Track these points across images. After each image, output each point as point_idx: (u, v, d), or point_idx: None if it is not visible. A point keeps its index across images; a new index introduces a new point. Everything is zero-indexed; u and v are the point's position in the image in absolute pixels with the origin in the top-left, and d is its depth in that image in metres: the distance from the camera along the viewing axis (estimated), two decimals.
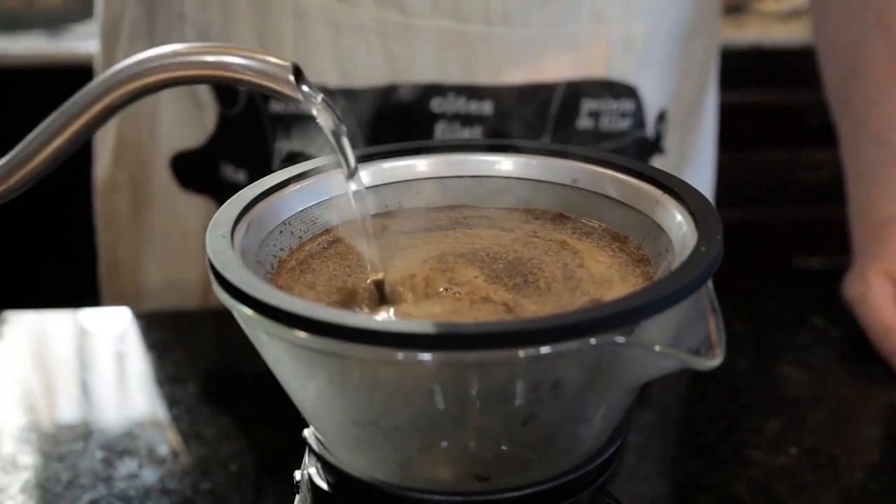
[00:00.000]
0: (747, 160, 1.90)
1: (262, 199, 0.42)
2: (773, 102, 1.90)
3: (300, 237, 0.43)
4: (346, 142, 0.40)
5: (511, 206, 0.46)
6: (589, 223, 0.44)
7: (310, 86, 0.38)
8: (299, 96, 0.38)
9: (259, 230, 0.41)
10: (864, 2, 0.79)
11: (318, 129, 0.40)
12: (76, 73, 1.65)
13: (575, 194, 0.45)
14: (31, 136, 0.37)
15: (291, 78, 0.37)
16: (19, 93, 1.79)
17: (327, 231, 0.44)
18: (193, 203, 0.86)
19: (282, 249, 0.42)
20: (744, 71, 1.80)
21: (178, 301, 0.87)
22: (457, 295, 0.39)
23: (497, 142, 0.47)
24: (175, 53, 0.37)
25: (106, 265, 0.95)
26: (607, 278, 0.40)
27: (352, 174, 0.41)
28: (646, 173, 0.43)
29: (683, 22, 0.85)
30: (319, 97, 0.39)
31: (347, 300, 0.39)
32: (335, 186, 0.44)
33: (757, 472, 0.62)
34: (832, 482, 0.61)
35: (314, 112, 0.39)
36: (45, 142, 0.37)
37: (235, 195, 0.41)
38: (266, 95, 0.78)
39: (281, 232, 0.42)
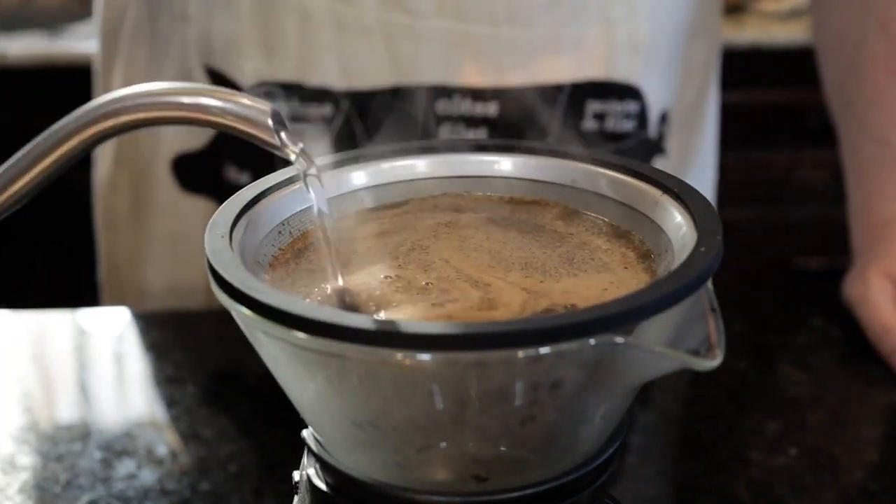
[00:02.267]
0: (747, 160, 1.90)
1: (261, 199, 0.42)
2: (773, 102, 1.89)
3: (296, 236, 0.43)
4: (317, 187, 0.39)
5: (517, 197, 0.46)
6: (592, 217, 0.44)
7: (289, 132, 0.38)
8: (277, 142, 0.37)
9: (258, 230, 0.41)
10: (864, 2, 0.79)
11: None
12: (75, 73, 1.65)
13: (574, 194, 0.45)
14: (4, 167, 0.37)
15: (270, 123, 0.37)
16: (18, 93, 1.79)
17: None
18: (195, 205, 0.86)
19: (280, 249, 0.42)
20: (744, 71, 1.80)
21: (180, 303, 0.87)
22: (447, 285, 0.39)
23: (497, 142, 0.47)
24: (151, 93, 0.37)
25: (106, 266, 0.95)
26: (609, 273, 0.40)
27: (319, 215, 0.40)
28: (645, 173, 0.43)
29: (686, 23, 0.85)
30: (299, 146, 0.38)
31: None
32: (334, 187, 0.44)
33: (757, 473, 0.62)
34: (832, 482, 0.61)
35: (292, 158, 0.38)
36: (14, 177, 0.36)
37: (234, 195, 0.41)
38: (268, 95, 0.79)
39: (280, 232, 0.42)
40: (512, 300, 0.38)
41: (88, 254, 1.05)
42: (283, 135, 0.37)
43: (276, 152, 0.38)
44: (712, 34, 0.90)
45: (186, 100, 0.36)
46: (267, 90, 0.79)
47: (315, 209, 0.39)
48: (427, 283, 0.39)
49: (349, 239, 0.43)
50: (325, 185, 0.39)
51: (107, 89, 0.90)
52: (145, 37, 0.85)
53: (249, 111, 0.37)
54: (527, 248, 0.42)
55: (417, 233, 0.44)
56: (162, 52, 0.84)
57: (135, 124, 0.37)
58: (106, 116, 0.36)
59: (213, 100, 0.36)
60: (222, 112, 0.37)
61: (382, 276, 0.40)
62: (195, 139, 0.84)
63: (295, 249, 0.42)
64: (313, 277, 0.40)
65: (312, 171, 0.39)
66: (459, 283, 0.39)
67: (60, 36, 1.83)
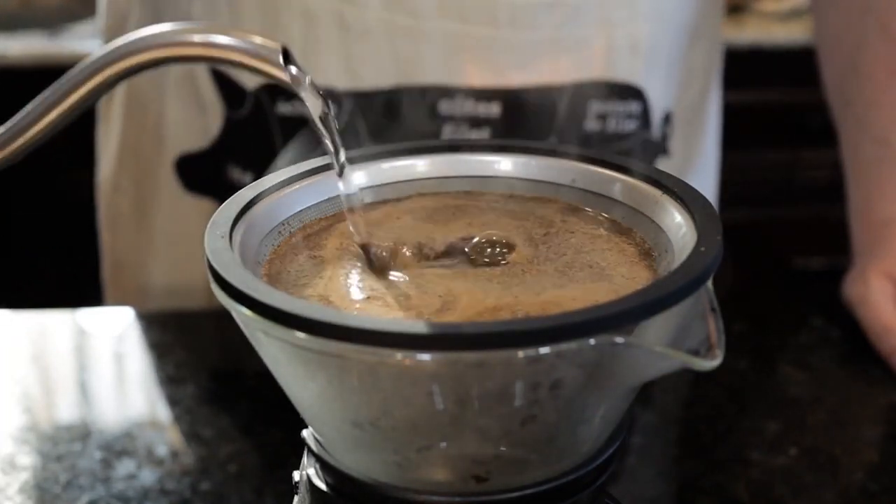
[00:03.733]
0: (747, 160, 1.90)
1: (261, 199, 0.42)
2: (773, 102, 1.89)
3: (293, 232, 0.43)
4: (335, 130, 0.40)
5: (517, 195, 0.46)
6: (594, 214, 0.44)
7: (298, 67, 0.39)
8: (286, 77, 0.38)
9: (258, 230, 0.41)
10: (865, 3, 0.79)
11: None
12: None
13: (574, 194, 0.45)
14: (28, 108, 0.39)
15: (280, 58, 0.38)
16: (18, 93, 1.79)
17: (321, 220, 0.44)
18: (198, 205, 0.86)
19: (276, 246, 0.42)
20: (744, 71, 1.80)
21: (182, 302, 0.87)
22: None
23: (496, 142, 0.47)
24: (166, 34, 0.39)
25: (109, 266, 0.95)
26: (613, 269, 0.40)
27: (340, 169, 0.41)
28: (645, 173, 0.43)
29: (688, 24, 0.85)
30: (307, 78, 0.39)
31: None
32: (334, 186, 0.44)
33: (757, 473, 0.62)
34: (832, 482, 0.61)
35: (301, 94, 0.39)
36: (41, 114, 0.39)
37: (234, 195, 0.41)
38: (272, 95, 0.79)
39: (280, 232, 0.42)
40: (474, 310, 0.37)
41: (89, 254, 1.05)
42: (292, 69, 0.38)
43: (287, 87, 0.39)
44: (714, 35, 0.90)
45: (198, 38, 0.38)
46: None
47: (329, 146, 0.40)
48: (391, 282, 0.39)
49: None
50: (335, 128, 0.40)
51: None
52: None
53: (259, 48, 0.38)
54: (520, 252, 0.42)
55: (407, 226, 0.44)
56: None
57: (151, 63, 0.39)
58: (123, 56, 0.38)
59: (224, 37, 0.38)
60: (233, 49, 0.38)
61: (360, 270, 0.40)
62: (198, 139, 0.84)
63: (290, 245, 0.42)
64: (311, 271, 0.40)
65: (321, 109, 0.40)
66: (428, 285, 0.39)
67: (60, 36, 1.83)
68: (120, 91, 0.89)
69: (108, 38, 0.90)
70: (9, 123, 0.39)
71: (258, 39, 0.38)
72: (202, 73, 0.82)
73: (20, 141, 0.39)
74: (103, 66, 0.39)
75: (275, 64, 0.38)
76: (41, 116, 0.39)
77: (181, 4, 0.81)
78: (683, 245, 0.38)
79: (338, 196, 0.44)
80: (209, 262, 0.36)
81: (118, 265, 0.93)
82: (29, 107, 0.39)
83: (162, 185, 0.87)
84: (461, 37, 0.77)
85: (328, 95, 0.77)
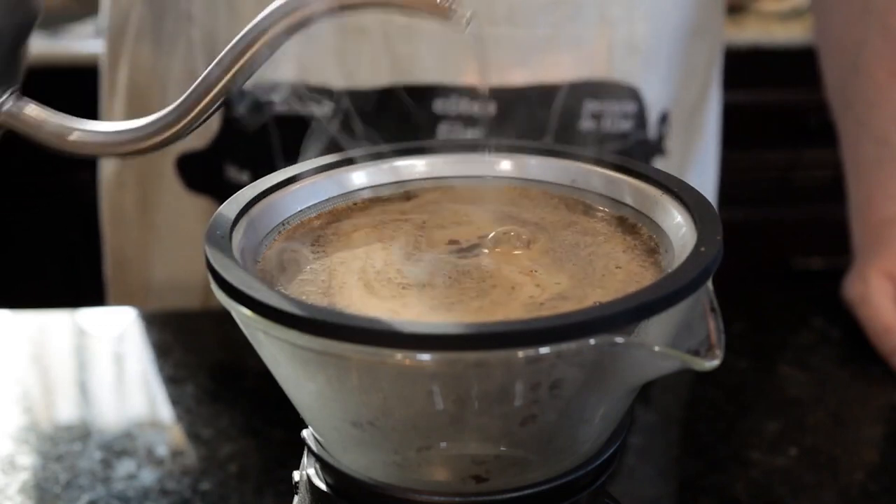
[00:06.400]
0: (747, 160, 1.90)
1: (260, 199, 0.42)
2: (773, 102, 1.89)
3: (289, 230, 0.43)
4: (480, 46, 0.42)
5: (517, 194, 0.46)
6: (600, 212, 0.44)
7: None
8: (446, 6, 0.41)
9: (258, 230, 0.41)
10: (865, 2, 0.79)
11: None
12: (75, 73, 1.65)
13: (574, 194, 0.45)
14: (205, 73, 0.40)
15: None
16: None
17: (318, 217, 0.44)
18: (198, 203, 0.86)
19: (274, 240, 0.42)
20: (744, 71, 1.80)
21: (184, 300, 0.88)
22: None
23: (496, 142, 0.47)
24: None
25: (112, 263, 0.95)
26: (619, 267, 0.40)
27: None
28: (645, 173, 0.43)
29: (687, 23, 0.85)
30: (469, 11, 0.41)
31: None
32: (334, 186, 0.44)
33: (757, 473, 0.62)
34: (832, 482, 0.61)
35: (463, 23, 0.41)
36: (219, 76, 0.40)
37: (234, 195, 0.41)
38: (269, 94, 0.79)
39: (279, 232, 0.42)
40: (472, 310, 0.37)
41: (90, 254, 1.05)
42: (454, 9, 0.41)
43: (445, 20, 0.41)
44: (714, 34, 0.90)
45: None
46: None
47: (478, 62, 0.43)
48: (388, 281, 0.39)
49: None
50: None
51: (112, 88, 0.91)
52: (150, 36, 0.86)
53: None
54: (523, 251, 0.42)
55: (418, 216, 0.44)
56: (168, 51, 0.84)
57: (318, 14, 0.40)
58: (292, 10, 0.40)
59: None
60: None
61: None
62: (197, 139, 0.84)
63: (288, 243, 0.42)
64: (308, 269, 0.40)
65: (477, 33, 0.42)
66: (431, 283, 0.39)
67: (60, 36, 1.83)
68: (122, 88, 0.89)
69: (110, 37, 0.90)
70: (189, 90, 0.40)
71: None
72: (203, 70, 0.82)
73: (202, 104, 0.40)
74: (277, 19, 0.41)
75: (439, 7, 0.41)
76: (219, 78, 0.40)
77: (181, 3, 0.82)
78: (683, 245, 0.38)
79: (337, 196, 0.44)
80: (209, 262, 0.36)
81: (121, 262, 0.94)
82: (206, 72, 0.40)
83: (165, 183, 0.87)
84: (457, 35, 0.77)
85: (323, 93, 0.77)
